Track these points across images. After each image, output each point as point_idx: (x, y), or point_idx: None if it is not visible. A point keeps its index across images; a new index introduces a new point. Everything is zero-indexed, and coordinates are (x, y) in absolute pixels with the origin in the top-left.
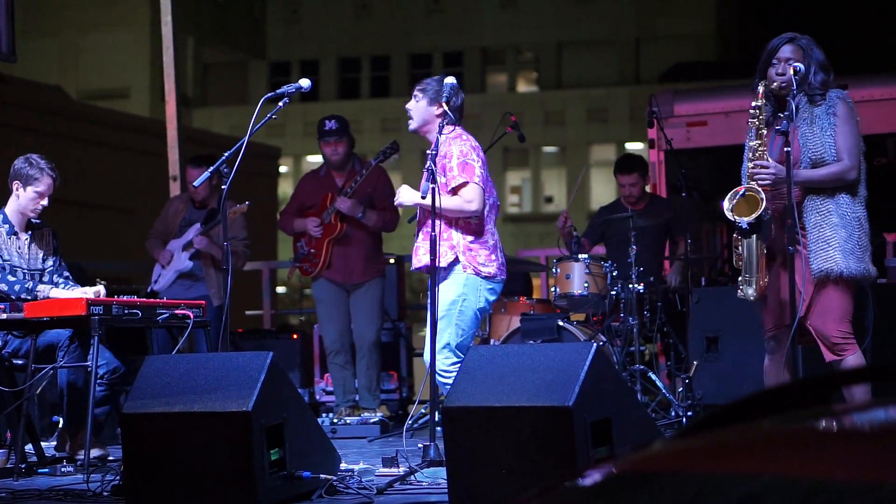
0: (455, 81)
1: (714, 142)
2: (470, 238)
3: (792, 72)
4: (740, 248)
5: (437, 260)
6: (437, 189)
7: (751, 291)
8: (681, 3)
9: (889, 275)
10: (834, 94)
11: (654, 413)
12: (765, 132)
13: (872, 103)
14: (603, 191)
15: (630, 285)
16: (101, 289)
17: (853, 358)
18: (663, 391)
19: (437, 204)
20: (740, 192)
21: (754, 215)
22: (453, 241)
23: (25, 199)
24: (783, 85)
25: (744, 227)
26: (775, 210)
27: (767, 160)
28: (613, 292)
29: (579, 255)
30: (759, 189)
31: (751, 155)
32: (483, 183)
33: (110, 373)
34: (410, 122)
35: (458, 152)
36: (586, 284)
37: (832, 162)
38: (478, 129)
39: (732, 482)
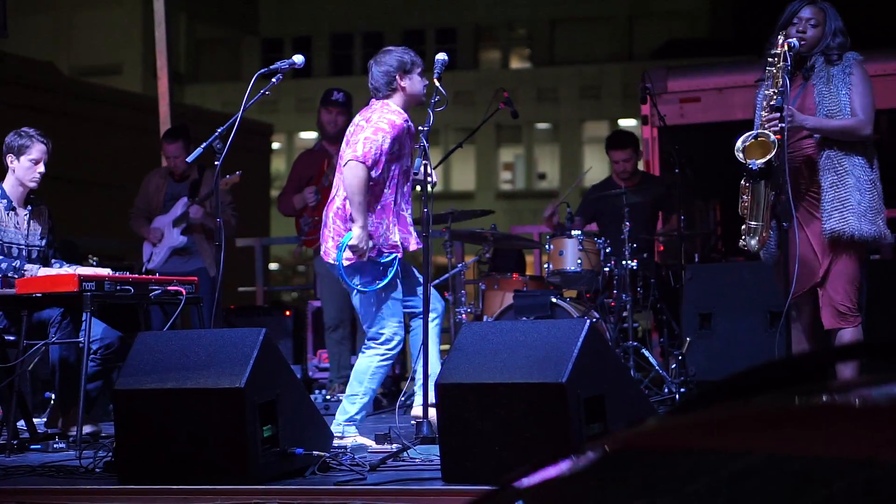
0: (446, 58)
1: (707, 118)
2: None
3: (786, 47)
4: (747, 195)
5: (428, 238)
6: (429, 165)
7: (753, 243)
8: None
9: (882, 251)
10: (851, 55)
11: (647, 390)
12: (780, 81)
13: None
14: (596, 167)
15: (623, 262)
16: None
17: (851, 332)
18: (656, 368)
19: (432, 178)
20: (752, 135)
21: (765, 158)
22: None
23: (22, 169)
24: (803, 43)
25: (754, 168)
26: (793, 163)
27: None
28: (607, 269)
29: (572, 232)
30: (771, 133)
31: (765, 103)
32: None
33: (104, 348)
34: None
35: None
36: (579, 261)
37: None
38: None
39: (726, 459)
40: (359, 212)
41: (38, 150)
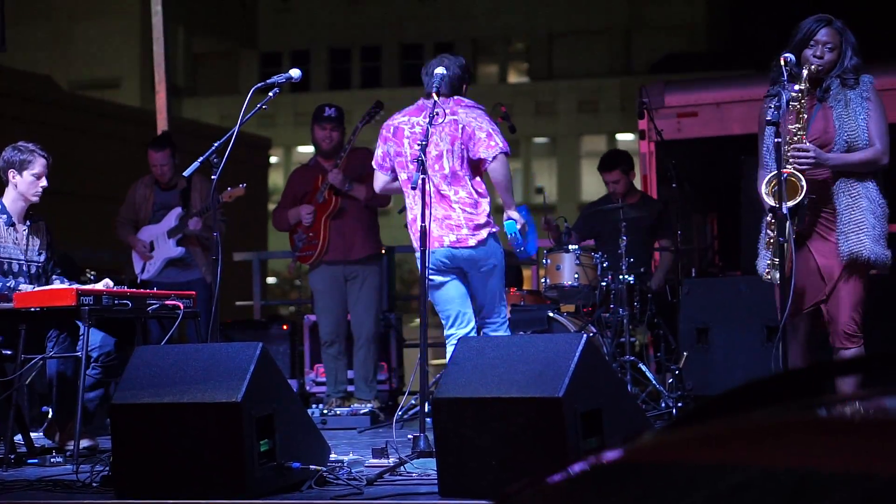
0: (444, 72)
1: (705, 132)
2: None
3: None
4: (773, 230)
5: (426, 252)
6: (427, 179)
7: (778, 276)
8: None
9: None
10: (867, 79)
11: (644, 404)
12: (805, 116)
13: None
14: (592, 183)
15: (620, 276)
16: (108, 281)
17: (853, 353)
18: (653, 382)
19: (427, 191)
20: (783, 177)
21: (795, 201)
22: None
23: (25, 184)
24: (821, 68)
25: (785, 212)
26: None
27: (806, 143)
28: (604, 283)
29: (570, 247)
30: (800, 174)
31: (789, 139)
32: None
33: (104, 355)
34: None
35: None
36: (576, 275)
37: (864, 146)
38: None
39: (722, 473)
40: (512, 197)
41: (40, 164)
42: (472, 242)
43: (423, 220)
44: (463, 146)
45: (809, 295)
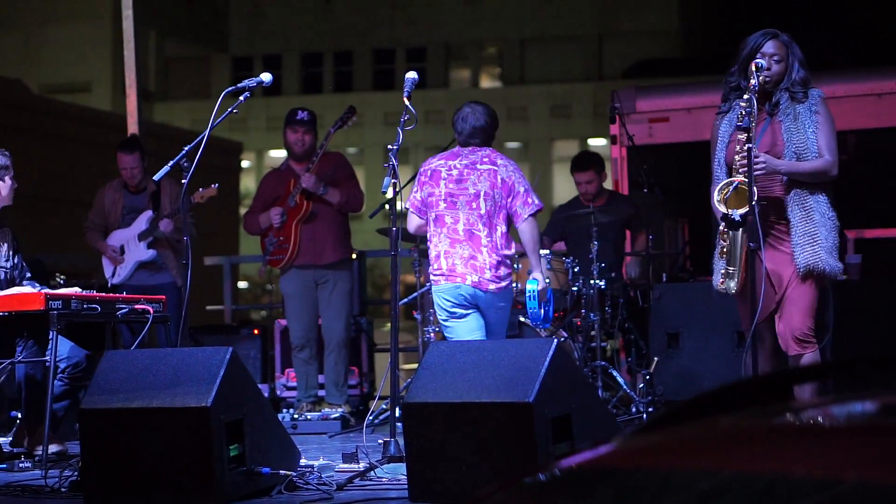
0: (416, 77)
1: (676, 138)
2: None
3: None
4: (726, 241)
5: (396, 257)
6: (398, 183)
7: (733, 285)
8: (644, 0)
9: (849, 271)
10: (815, 93)
11: (614, 409)
12: (753, 126)
13: (834, 100)
14: (564, 188)
15: (591, 281)
16: (77, 289)
17: (810, 356)
18: (624, 387)
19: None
20: (734, 184)
21: (745, 209)
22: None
23: (7, 188)
24: (767, 80)
25: (737, 219)
26: (761, 199)
27: (755, 151)
28: (575, 288)
29: (540, 251)
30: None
31: (738, 147)
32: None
33: (71, 367)
34: None
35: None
36: (548, 280)
37: (813, 158)
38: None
39: (693, 478)
40: (539, 259)
41: (11, 167)
42: (492, 287)
43: (392, 225)
44: (500, 195)
45: (764, 304)
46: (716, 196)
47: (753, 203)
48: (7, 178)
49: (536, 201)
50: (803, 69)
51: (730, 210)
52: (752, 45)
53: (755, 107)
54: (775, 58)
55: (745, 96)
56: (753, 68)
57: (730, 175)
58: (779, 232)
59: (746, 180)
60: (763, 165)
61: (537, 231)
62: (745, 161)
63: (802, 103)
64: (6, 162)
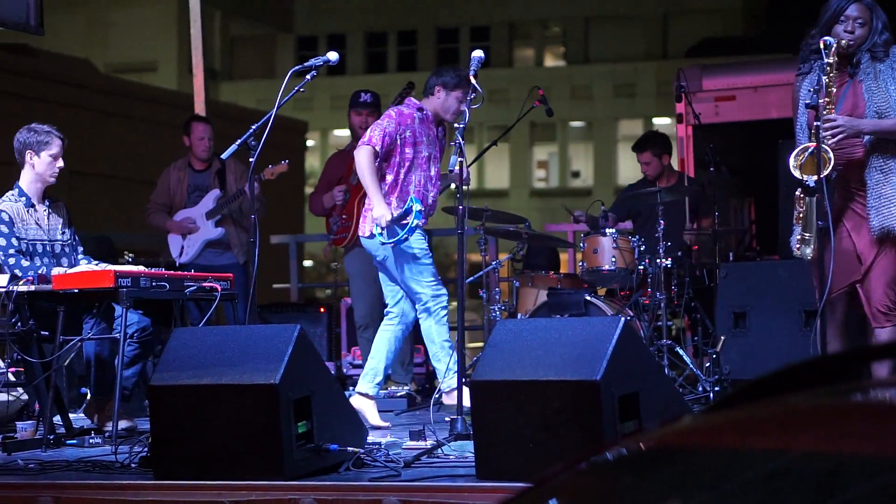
0: (482, 55)
1: (742, 116)
2: None
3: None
4: (802, 206)
5: (463, 235)
6: (464, 162)
7: (808, 251)
8: None
9: None
10: None
11: (681, 388)
12: (834, 90)
13: None
14: (629, 167)
15: (657, 260)
16: (141, 268)
17: (889, 332)
18: (690, 366)
19: (464, 175)
20: (809, 150)
21: (822, 174)
22: None
23: (43, 164)
24: (851, 43)
25: (811, 185)
26: (841, 163)
27: (834, 115)
28: (641, 267)
29: (606, 230)
30: (828, 147)
31: (817, 114)
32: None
33: (140, 331)
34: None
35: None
36: (613, 259)
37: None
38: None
39: (760, 457)
40: (369, 190)
41: (56, 145)
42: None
43: (459, 204)
44: None
45: (845, 275)
46: (792, 161)
47: (824, 175)
48: (44, 154)
49: (367, 136)
50: (886, 31)
51: (805, 176)
52: (835, 8)
53: (824, 85)
54: (859, 21)
55: (829, 60)
56: (822, 46)
57: (811, 139)
58: (860, 198)
59: (822, 146)
60: (842, 129)
61: (366, 163)
62: (825, 125)
63: (883, 62)
64: (39, 138)
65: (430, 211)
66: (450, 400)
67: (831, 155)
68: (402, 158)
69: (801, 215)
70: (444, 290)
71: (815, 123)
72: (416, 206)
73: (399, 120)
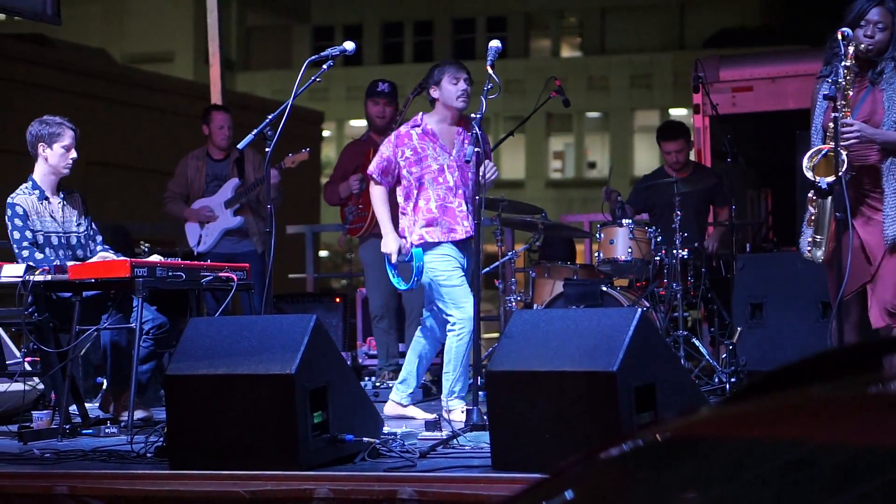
0: (500, 45)
1: (760, 107)
2: None
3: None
4: (814, 208)
5: (479, 226)
6: (480, 153)
7: (819, 254)
8: None
9: None
10: None
11: (697, 379)
12: (850, 93)
13: None
14: (645, 158)
15: (674, 251)
16: (157, 257)
17: None
18: (707, 357)
19: (481, 171)
20: (823, 152)
21: (834, 177)
22: None
23: (55, 156)
24: (871, 48)
25: (824, 187)
26: (855, 167)
27: (851, 119)
28: (657, 258)
29: (623, 221)
30: (842, 151)
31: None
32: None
33: (155, 328)
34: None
35: None
36: (630, 250)
37: None
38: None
39: (778, 448)
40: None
41: (69, 136)
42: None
43: (475, 195)
44: None
45: (856, 277)
46: (805, 163)
47: (841, 174)
48: (56, 146)
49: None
50: None
51: (817, 178)
52: (857, 11)
53: (842, 77)
54: (879, 25)
55: (846, 63)
56: (840, 37)
57: (825, 141)
58: (873, 201)
59: (838, 149)
60: (857, 134)
61: (375, 196)
62: (841, 129)
63: None
64: (51, 130)
65: (464, 220)
66: (451, 416)
67: (845, 157)
68: (410, 179)
69: (812, 217)
70: (469, 314)
71: (832, 115)
72: (417, 252)
73: (396, 142)
